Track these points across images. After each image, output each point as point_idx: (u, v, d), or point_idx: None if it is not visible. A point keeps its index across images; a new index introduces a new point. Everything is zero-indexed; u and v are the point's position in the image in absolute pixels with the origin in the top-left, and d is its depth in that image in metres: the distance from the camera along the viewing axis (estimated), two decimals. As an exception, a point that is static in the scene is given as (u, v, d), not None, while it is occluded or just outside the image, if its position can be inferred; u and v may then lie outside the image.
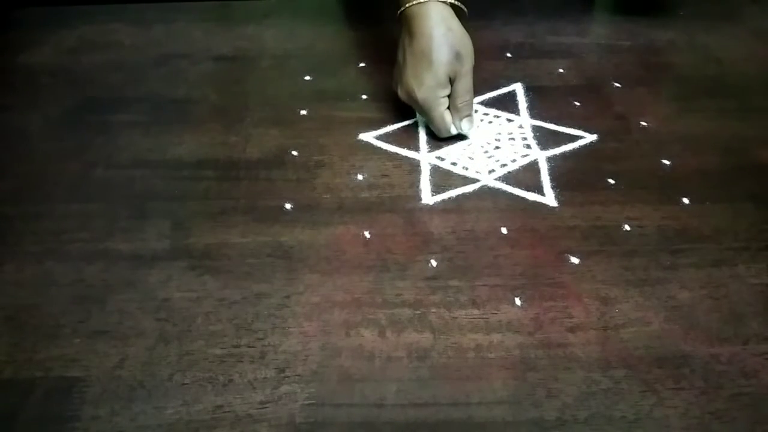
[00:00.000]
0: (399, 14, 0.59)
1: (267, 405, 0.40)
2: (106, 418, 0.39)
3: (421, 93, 0.57)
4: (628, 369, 0.42)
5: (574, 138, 0.61)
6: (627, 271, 0.48)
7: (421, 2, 0.57)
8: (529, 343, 0.43)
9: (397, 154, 0.60)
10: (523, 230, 0.52)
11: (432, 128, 0.60)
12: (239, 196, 0.55)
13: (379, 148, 0.60)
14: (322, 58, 0.74)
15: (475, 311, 0.46)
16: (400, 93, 0.60)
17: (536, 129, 0.63)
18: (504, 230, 0.52)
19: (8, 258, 0.50)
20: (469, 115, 0.60)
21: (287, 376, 0.42)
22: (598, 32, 0.80)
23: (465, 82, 0.58)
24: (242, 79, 0.71)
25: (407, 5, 0.58)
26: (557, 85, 0.69)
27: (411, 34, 0.58)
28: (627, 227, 0.52)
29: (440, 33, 0.57)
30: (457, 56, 0.57)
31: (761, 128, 0.63)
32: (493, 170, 0.58)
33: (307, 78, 0.71)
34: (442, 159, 0.59)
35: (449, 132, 0.60)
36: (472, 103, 0.60)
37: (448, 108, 0.59)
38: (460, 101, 0.59)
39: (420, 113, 0.61)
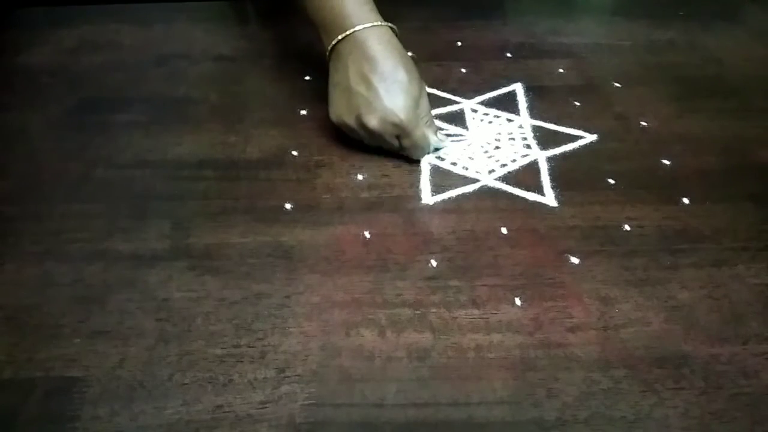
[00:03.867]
0: (343, 38, 0.56)
1: (267, 405, 0.40)
2: (106, 418, 0.39)
3: (406, 115, 0.54)
4: (628, 369, 0.42)
5: (574, 138, 0.61)
6: (627, 271, 0.48)
7: (375, 25, 0.55)
8: (529, 343, 0.43)
9: (398, 154, 0.60)
10: (523, 230, 0.52)
11: (409, 152, 0.58)
12: (239, 196, 0.55)
13: (380, 148, 0.60)
14: (322, 58, 0.74)
15: (475, 311, 0.46)
16: (374, 123, 0.55)
17: (536, 129, 0.63)
18: (504, 230, 0.52)
19: (8, 258, 0.50)
20: (437, 129, 0.59)
21: (287, 376, 0.42)
22: (598, 32, 0.80)
23: (426, 99, 0.57)
24: (242, 79, 0.71)
25: (356, 28, 0.55)
26: (557, 85, 0.69)
27: (369, 57, 0.54)
28: (627, 227, 0.52)
29: (402, 53, 0.56)
30: (418, 73, 0.57)
31: (761, 128, 0.63)
32: (493, 170, 0.58)
33: (307, 78, 0.71)
34: (442, 159, 0.59)
35: (430, 149, 0.58)
36: (432, 118, 0.59)
37: None
38: (427, 119, 0.57)
39: (387, 140, 0.57)
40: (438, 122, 0.63)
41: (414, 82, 0.56)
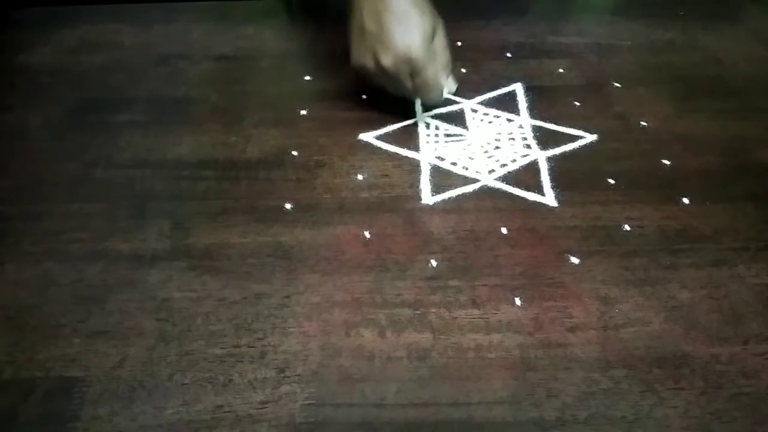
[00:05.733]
0: None
1: (267, 405, 0.40)
2: (106, 418, 0.39)
3: (417, 50, 0.54)
4: (628, 369, 0.42)
5: (574, 138, 0.61)
6: (627, 271, 0.48)
7: None
8: (529, 343, 0.43)
9: (397, 154, 0.60)
10: (523, 230, 0.52)
11: (422, 94, 0.58)
12: (239, 196, 0.55)
13: (379, 148, 0.60)
14: (322, 58, 0.74)
15: (475, 311, 0.46)
16: (388, 61, 0.55)
17: (536, 129, 0.63)
18: (504, 230, 0.52)
19: (8, 258, 0.50)
20: (451, 72, 0.59)
21: (287, 376, 0.42)
22: (598, 32, 0.80)
23: (442, 37, 0.58)
24: (242, 79, 0.71)
25: None
26: (557, 85, 0.69)
27: None
28: (627, 227, 0.52)
29: None
30: (432, 11, 0.57)
31: (761, 128, 0.63)
32: (493, 170, 0.58)
33: (307, 78, 0.71)
34: (442, 159, 0.59)
35: (442, 92, 0.58)
36: (450, 60, 0.59)
37: None
38: (443, 58, 0.58)
39: (402, 82, 0.57)
40: (437, 122, 0.63)
41: (426, 18, 0.56)
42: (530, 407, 0.40)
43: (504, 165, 0.58)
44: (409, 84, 0.58)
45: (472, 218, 0.53)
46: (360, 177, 0.57)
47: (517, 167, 0.58)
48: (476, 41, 0.77)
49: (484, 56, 0.74)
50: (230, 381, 0.42)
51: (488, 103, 0.67)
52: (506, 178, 0.57)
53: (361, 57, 0.58)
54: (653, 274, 0.48)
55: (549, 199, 0.55)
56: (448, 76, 0.58)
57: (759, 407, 0.40)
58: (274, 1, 0.89)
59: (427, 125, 0.63)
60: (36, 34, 0.79)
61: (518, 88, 0.69)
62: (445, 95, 0.59)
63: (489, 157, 0.59)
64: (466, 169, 0.58)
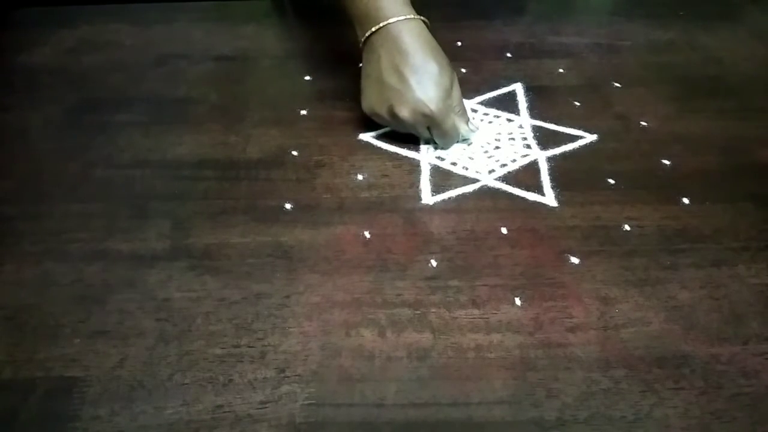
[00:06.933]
0: (376, 30, 0.57)
1: (267, 405, 0.40)
2: (106, 418, 0.39)
3: (436, 106, 0.56)
4: (628, 369, 0.42)
5: (574, 138, 0.61)
6: (627, 271, 0.48)
7: (408, 18, 0.56)
8: (529, 343, 0.43)
9: (397, 154, 0.60)
10: (523, 230, 0.52)
11: (439, 141, 0.59)
12: (239, 196, 0.55)
13: (379, 148, 0.60)
14: (322, 58, 0.74)
15: (475, 311, 0.46)
16: (405, 114, 0.56)
17: (536, 129, 0.63)
18: (504, 230, 0.52)
19: (8, 258, 0.50)
20: (468, 119, 0.60)
21: (287, 376, 0.42)
22: (598, 32, 0.80)
23: (458, 88, 0.59)
24: (242, 79, 0.71)
25: (389, 21, 0.56)
26: (557, 85, 0.69)
27: (401, 50, 0.56)
28: (627, 227, 0.52)
29: (433, 45, 0.57)
30: (449, 64, 0.58)
31: (761, 128, 0.63)
32: (493, 170, 0.58)
33: (307, 78, 0.71)
34: (442, 159, 0.59)
35: (459, 138, 0.60)
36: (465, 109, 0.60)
37: None
38: (459, 108, 0.59)
39: (418, 130, 0.58)
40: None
41: (445, 73, 0.57)
42: (530, 407, 0.40)
43: (504, 165, 0.58)
44: (424, 132, 0.59)
45: (472, 218, 0.53)
46: (360, 177, 0.57)
47: (517, 167, 0.58)
48: (476, 41, 0.77)
49: (484, 56, 0.74)
50: (230, 381, 0.42)
51: (488, 103, 0.67)
52: (506, 178, 0.57)
53: (375, 106, 0.59)
54: (653, 274, 0.48)
55: (549, 199, 0.55)
56: (467, 123, 0.60)
57: (759, 407, 0.40)
58: (273, 2, 0.89)
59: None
60: (36, 34, 0.80)
61: (518, 88, 0.69)
62: (464, 136, 0.60)
63: (489, 157, 0.59)
64: (466, 169, 0.58)
